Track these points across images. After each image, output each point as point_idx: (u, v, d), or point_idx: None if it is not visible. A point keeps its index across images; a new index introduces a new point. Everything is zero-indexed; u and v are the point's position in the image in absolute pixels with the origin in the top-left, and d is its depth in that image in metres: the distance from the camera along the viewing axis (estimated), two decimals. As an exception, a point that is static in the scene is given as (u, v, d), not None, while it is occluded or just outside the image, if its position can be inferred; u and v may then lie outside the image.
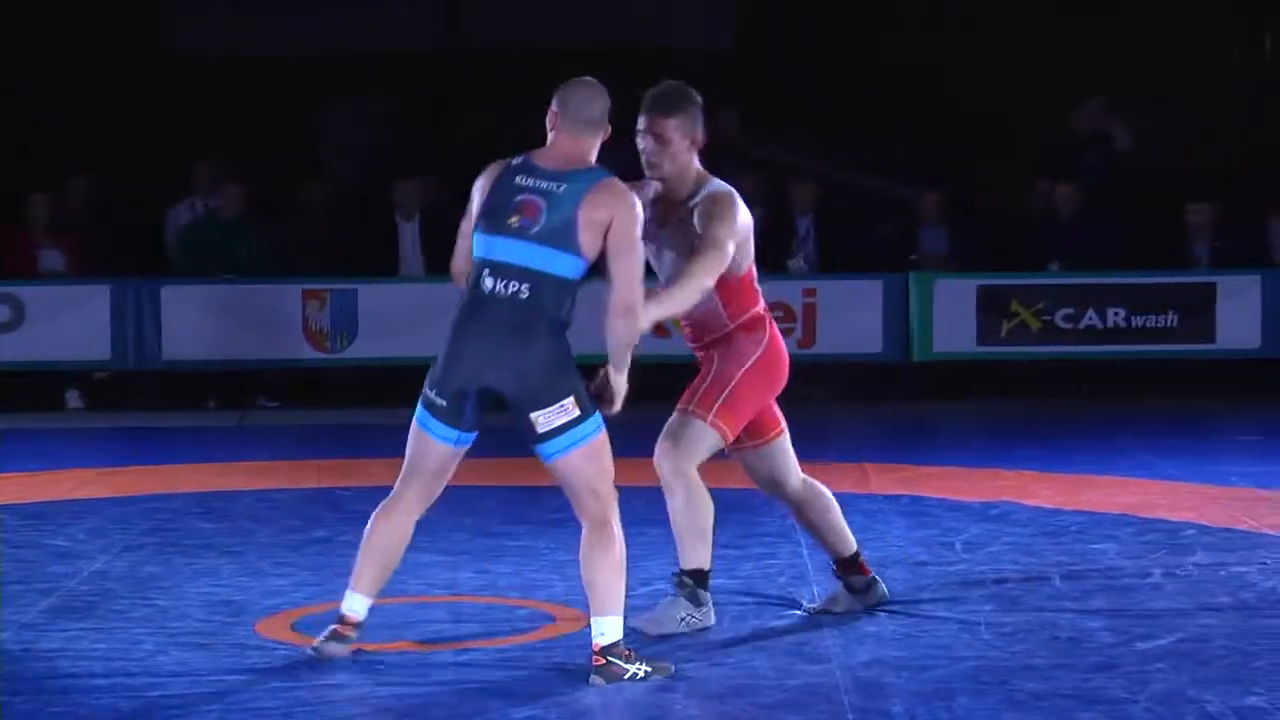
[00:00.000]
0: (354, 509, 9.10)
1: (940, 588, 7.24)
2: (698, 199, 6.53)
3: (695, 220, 6.48)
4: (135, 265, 13.89)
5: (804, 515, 6.87)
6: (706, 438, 6.59)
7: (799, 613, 6.83)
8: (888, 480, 9.93)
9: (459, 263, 6.15)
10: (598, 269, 6.11)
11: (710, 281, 6.43)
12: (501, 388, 6.01)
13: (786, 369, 6.71)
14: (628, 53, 16.21)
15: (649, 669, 5.93)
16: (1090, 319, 13.82)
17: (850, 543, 6.88)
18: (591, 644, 5.97)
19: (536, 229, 5.96)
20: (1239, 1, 16.56)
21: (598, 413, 6.06)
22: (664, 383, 13.89)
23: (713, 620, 6.58)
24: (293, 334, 13.48)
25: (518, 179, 6.01)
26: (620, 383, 6.11)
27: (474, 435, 6.11)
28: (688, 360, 13.45)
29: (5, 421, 12.68)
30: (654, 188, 6.57)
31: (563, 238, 5.95)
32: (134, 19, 16.25)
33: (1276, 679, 5.88)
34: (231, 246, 13.84)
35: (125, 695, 5.79)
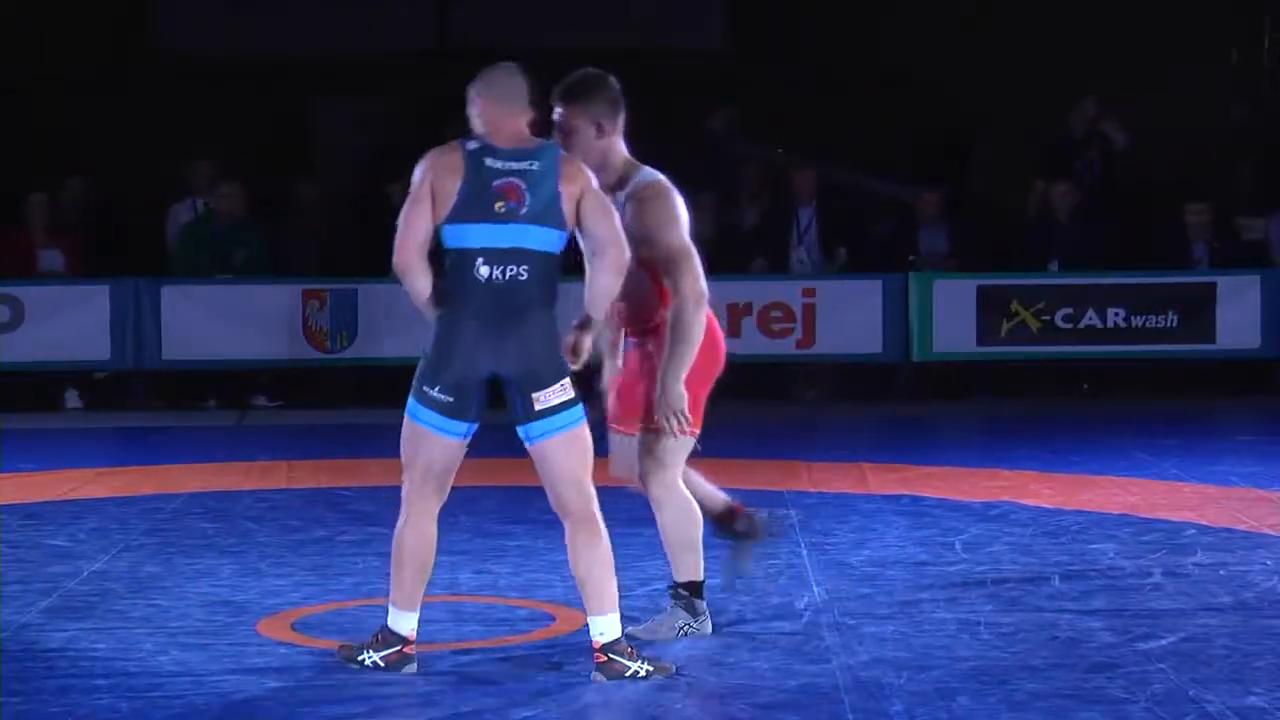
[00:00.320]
0: (354, 509, 9.12)
1: (940, 588, 7.24)
2: (627, 189, 6.47)
3: (630, 218, 6.39)
4: (134, 265, 13.89)
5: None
6: (682, 447, 6.57)
7: (803, 612, 6.83)
8: (887, 480, 9.93)
9: (410, 255, 5.98)
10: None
11: (701, 285, 6.37)
12: (506, 371, 6.03)
13: (723, 357, 6.65)
14: (626, 53, 16.23)
15: (650, 668, 5.94)
16: (1090, 319, 13.82)
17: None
18: (592, 643, 5.97)
19: (525, 210, 5.98)
20: (1237, 2, 16.56)
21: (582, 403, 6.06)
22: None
23: (709, 629, 6.56)
24: (293, 334, 13.48)
25: (487, 163, 6.00)
26: (590, 340, 6.17)
27: (478, 425, 6.09)
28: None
29: (5, 421, 12.67)
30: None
31: (550, 215, 6.00)
32: (131, 19, 16.26)
33: (1277, 679, 5.87)
34: (231, 246, 13.85)
35: (125, 695, 5.79)
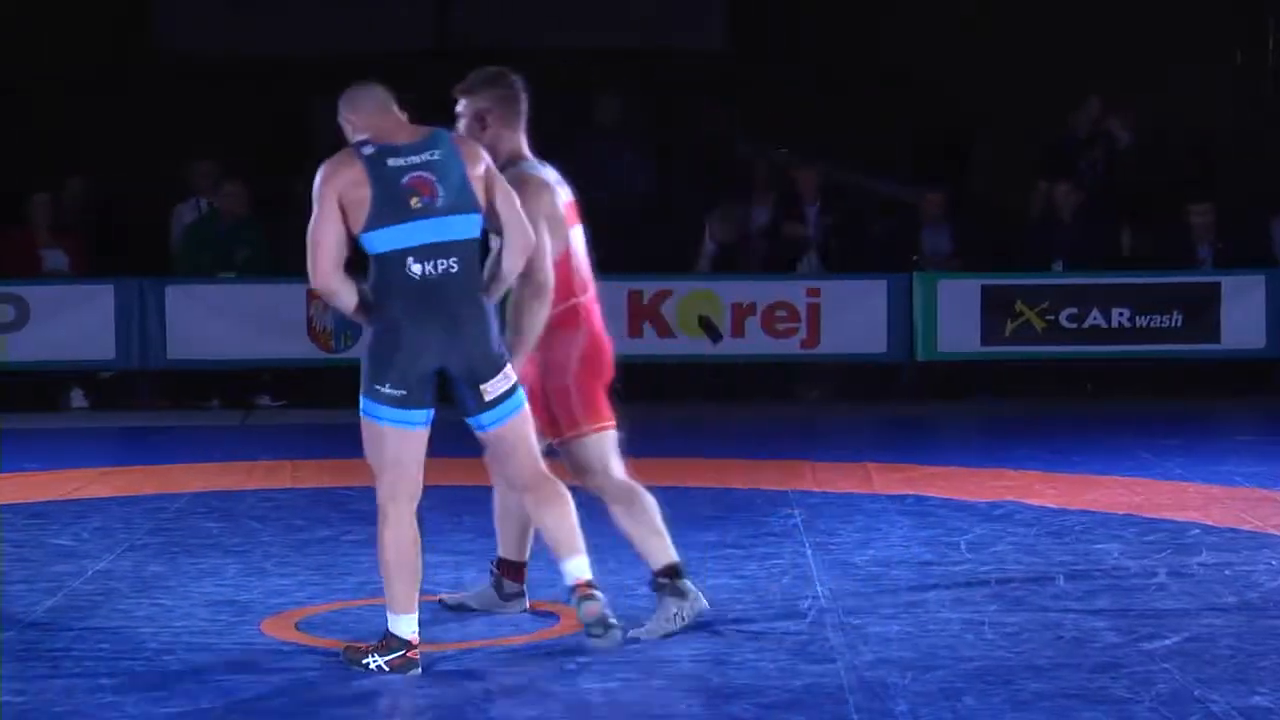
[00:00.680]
0: (358, 509, 9.10)
1: (945, 588, 7.23)
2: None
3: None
4: (138, 265, 13.89)
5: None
6: (603, 442, 6.57)
7: (808, 612, 6.82)
8: (891, 480, 9.92)
9: (328, 275, 6.00)
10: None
11: (541, 278, 6.31)
12: (452, 367, 6.09)
13: (609, 358, 6.64)
14: (626, 53, 16.22)
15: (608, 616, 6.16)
16: (1095, 319, 13.81)
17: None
18: (575, 580, 6.15)
19: (440, 202, 6.03)
20: (1240, 2, 16.55)
21: None
22: (664, 381, 13.97)
23: (705, 603, 6.56)
24: (297, 334, 13.48)
25: (389, 163, 6.03)
26: None
27: (434, 411, 6.15)
28: (685, 359, 13.35)
29: (9, 421, 12.68)
30: None
31: (465, 200, 6.05)
32: (131, 19, 16.25)
33: (1281, 679, 5.88)
34: (233, 245, 13.85)
35: (130, 695, 5.79)
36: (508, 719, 5.55)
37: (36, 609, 6.93)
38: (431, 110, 18.04)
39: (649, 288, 13.82)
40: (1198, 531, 8.34)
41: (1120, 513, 8.83)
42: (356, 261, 6.10)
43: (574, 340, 6.51)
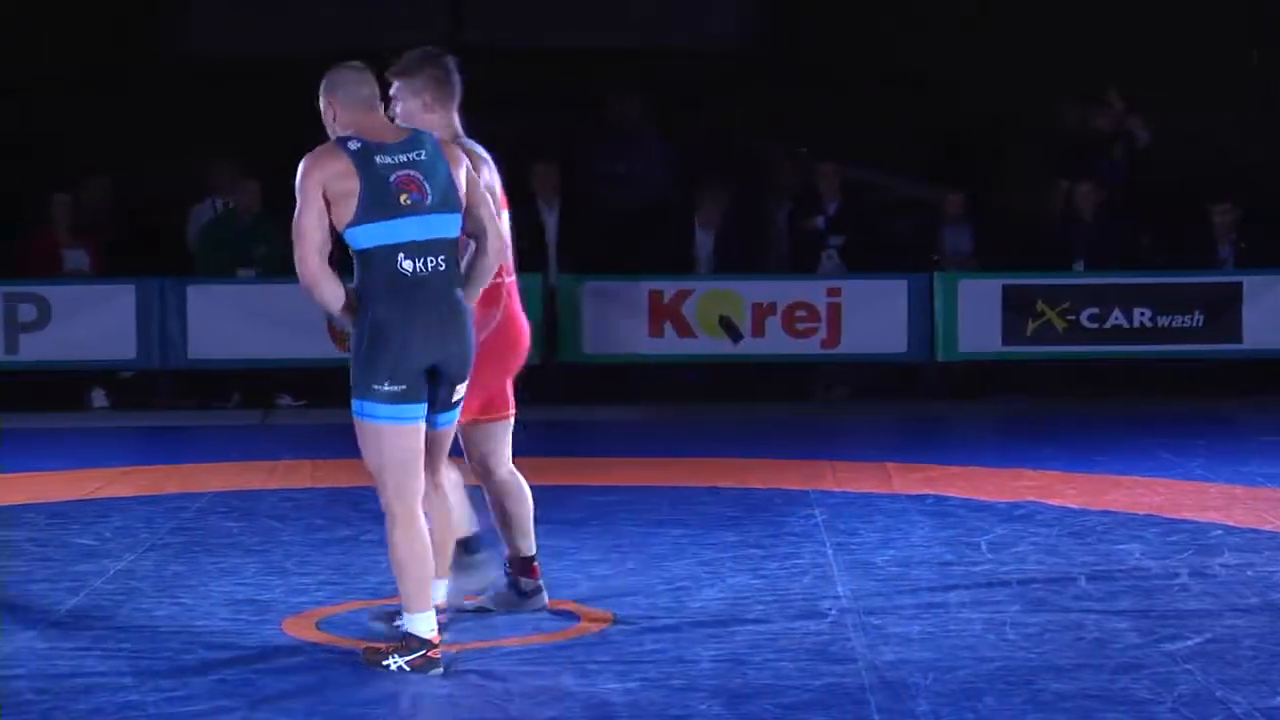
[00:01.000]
0: (377, 509, 9.08)
1: (966, 588, 7.22)
2: None
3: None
4: (158, 265, 13.91)
5: (501, 503, 6.81)
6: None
7: (829, 612, 6.81)
8: (911, 480, 9.91)
9: (315, 267, 6.01)
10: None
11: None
12: (443, 364, 6.10)
13: (524, 344, 6.76)
14: (633, 52, 16.22)
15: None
16: (1116, 319, 13.78)
17: (532, 544, 6.84)
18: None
19: (429, 200, 6.05)
20: (1258, 1, 16.50)
21: None
22: (685, 381, 13.96)
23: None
24: (317, 333, 13.49)
25: (377, 160, 6.03)
26: None
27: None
28: (706, 359, 13.40)
29: (31, 420, 12.71)
30: None
31: (451, 200, 6.09)
32: (147, 19, 16.26)
33: (1304, 680, 5.86)
34: (251, 242, 13.87)
35: (151, 694, 5.80)
36: (527, 719, 5.54)
37: (59, 608, 6.94)
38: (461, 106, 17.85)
39: (669, 287, 13.82)
40: (1220, 532, 8.32)
41: (1142, 513, 8.81)
42: (341, 261, 6.09)
43: (488, 323, 6.56)
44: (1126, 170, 14.74)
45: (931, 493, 9.45)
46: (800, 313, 13.84)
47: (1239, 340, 13.78)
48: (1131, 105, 14.77)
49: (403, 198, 6.02)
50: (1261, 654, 6.17)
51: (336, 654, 6.29)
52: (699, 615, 6.80)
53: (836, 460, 10.69)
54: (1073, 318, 13.79)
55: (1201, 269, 14.01)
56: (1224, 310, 13.78)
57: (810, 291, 13.88)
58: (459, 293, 6.10)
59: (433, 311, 6.02)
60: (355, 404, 6.06)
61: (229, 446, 11.74)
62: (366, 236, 6.01)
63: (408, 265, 6.01)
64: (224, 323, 13.57)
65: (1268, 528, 8.42)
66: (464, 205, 6.12)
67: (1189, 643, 6.31)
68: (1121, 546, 8.02)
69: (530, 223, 14.00)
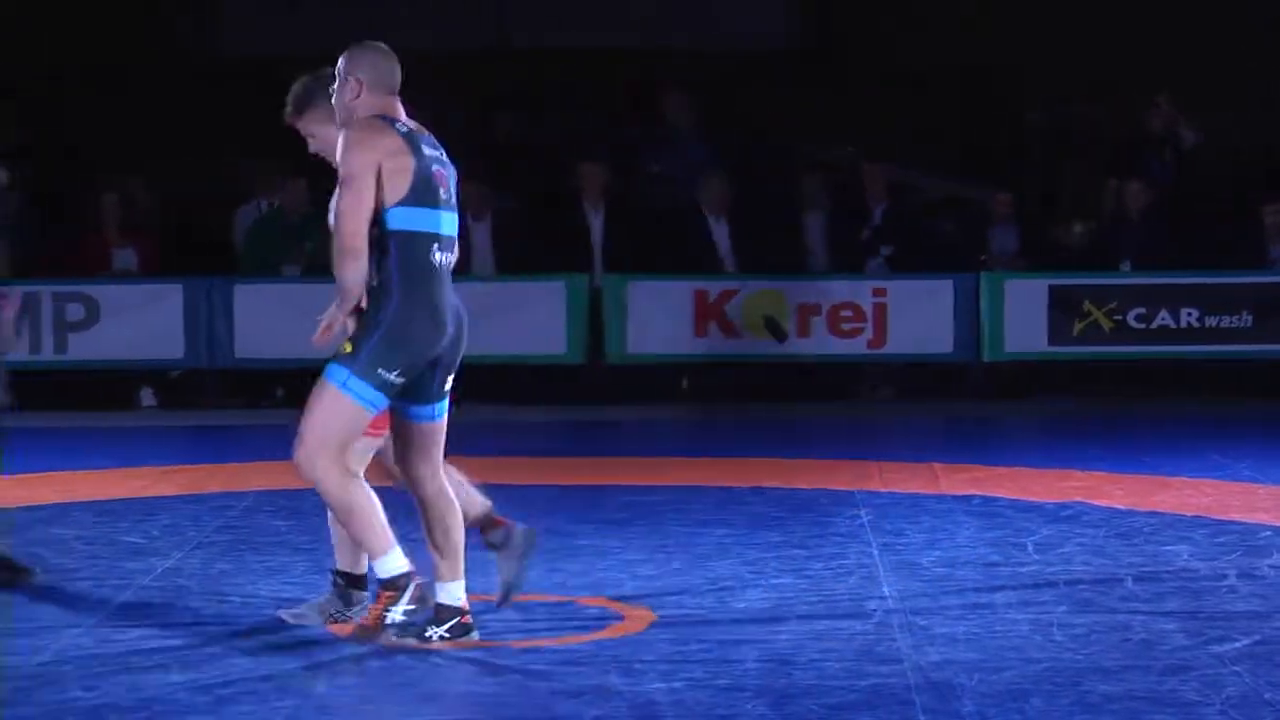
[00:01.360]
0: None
1: (1012, 589, 7.19)
2: None
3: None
4: (206, 265, 13.97)
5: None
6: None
7: (874, 613, 6.79)
8: (958, 480, 9.88)
9: (361, 238, 5.94)
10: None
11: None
12: (446, 356, 6.15)
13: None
14: (689, 52, 16.21)
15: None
16: (1163, 319, 13.72)
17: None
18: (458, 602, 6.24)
19: (451, 198, 6.15)
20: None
21: None
22: (730, 381, 13.95)
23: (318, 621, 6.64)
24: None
25: (424, 148, 6.08)
26: None
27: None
28: (751, 359, 13.33)
29: (79, 419, 12.77)
30: None
31: (457, 201, 6.22)
32: (188, 19, 16.31)
33: (1354, 682, 5.81)
34: (296, 241, 13.91)
35: (200, 692, 5.81)
36: (574, 717, 5.53)
37: (107, 605, 6.96)
38: (494, 106, 18.03)
39: (714, 288, 13.81)
40: (1269, 534, 8.27)
41: (1190, 514, 8.76)
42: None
43: None
44: (1174, 171, 14.67)
45: (978, 493, 9.42)
46: (846, 313, 13.81)
47: (1288, 340, 13.70)
48: (1180, 106, 14.70)
49: (441, 191, 6.10)
50: (1311, 656, 6.13)
51: (383, 652, 6.30)
52: (744, 615, 6.79)
53: (882, 460, 10.67)
54: (1119, 318, 13.74)
55: (1250, 269, 13.93)
56: (1273, 310, 13.71)
57: (856, 292, 13.85)
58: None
59: (447, 305, 6.09)
60: (345, 376, 6.00)
61: (275, 445, 11.75)
62: (413, 220, 6.02)
63: (438, 257, 6.08)
64: (271, 322, 13.61)
65: (1317, 529, 8.37)
66: None
67: (1237, 644, 6.27)
68: (1169, 548, 7.97)
69: (576, 223, 14.03)
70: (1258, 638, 6.36)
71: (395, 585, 6.08)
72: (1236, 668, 5.97)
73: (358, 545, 6.16)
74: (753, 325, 13.77)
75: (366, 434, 6.46)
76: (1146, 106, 14.80)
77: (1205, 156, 14.83)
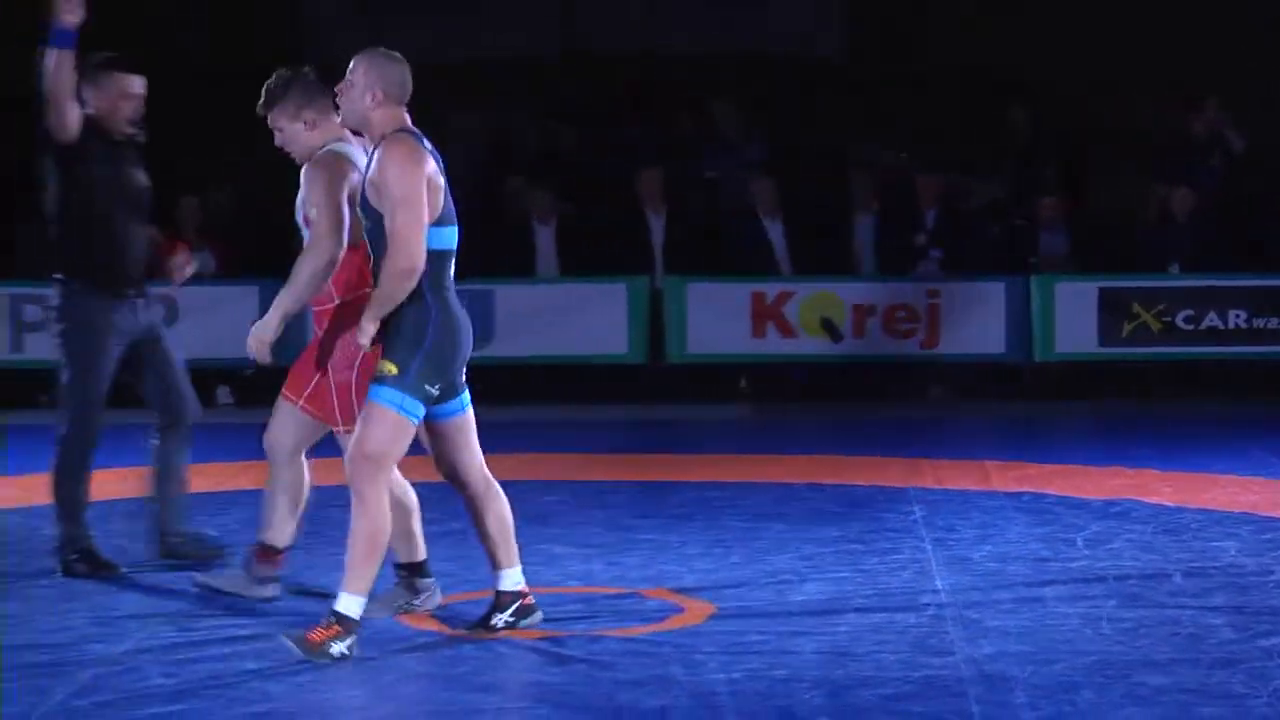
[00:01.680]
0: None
1: (1062, 583, 7.16)
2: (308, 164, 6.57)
3: (305, 193, 6.54)
4: (281, 267, 14.02)
5: (296, 488, 6.78)
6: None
7: (927, 606, 6.77)
8: (1009, 478, 9.84)
9: (423, 260, 5.95)
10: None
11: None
12: (462, 369, 6.21)
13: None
14: (745, 57, 16.19)
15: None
16: (1211, 320, 13.64)
17: (289, 537, 6.80)
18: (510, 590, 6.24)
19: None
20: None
21: None
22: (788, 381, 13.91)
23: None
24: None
25: (439, 164, 6.03)
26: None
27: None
28: (807, 359, 13.19)
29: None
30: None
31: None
32: (268, 28, 16.39)
33: (1399, 676, 5.76)
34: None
35: (276, 680, 5.84)
36: (635, 707, 5.54)
37: (187, 595, 7.00)
38: (558, 112, 17.97)
39: (771, 289, 13.80)
40: (1315, 530, 8.21)
41: (1237, 511, 8.70)
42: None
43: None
44: (1222, 175, 14.57)
45: (1028, 490, 9.38)
46: (900, 314, 13.78)
47: (1335, 341, 13.60)
48: (1227, 111, 14.60)
49: (451, 206, 6.08)
50: (1356, 650, 6.08)
51: (451, 642, 6.32)
52: (801, 608, 6.78)
53: (935, 458, 10.64)
54: (1168, 319, 13.66)
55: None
56: (1320, 312, 13.61)
57: (910, 294, 13.82)
58: None
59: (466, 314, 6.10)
60: (400, 399, 5.99)
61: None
62: (440, 239, 6.02)
63: (451, 272, 6.07)
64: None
65: (1362, 526, 8.30)
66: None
67: (1284, 639, 6.23)
68: (1217, 544, 7.92)
69: (636, 227, 14.04)
70: (1304, 632, 6.32)
71: (348, 624, 6.01)
72: (1283, 661, 5.94)
73: (355, 566, 6.07)
74: (809, 326, 13.75)
75: (342, 431, 6.52)
76: (1194, 112, 14.71)
77: (1252, 159, 14.73)
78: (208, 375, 13.91)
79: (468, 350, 6.14)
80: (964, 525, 8.42)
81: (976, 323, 13.73)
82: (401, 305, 5.99)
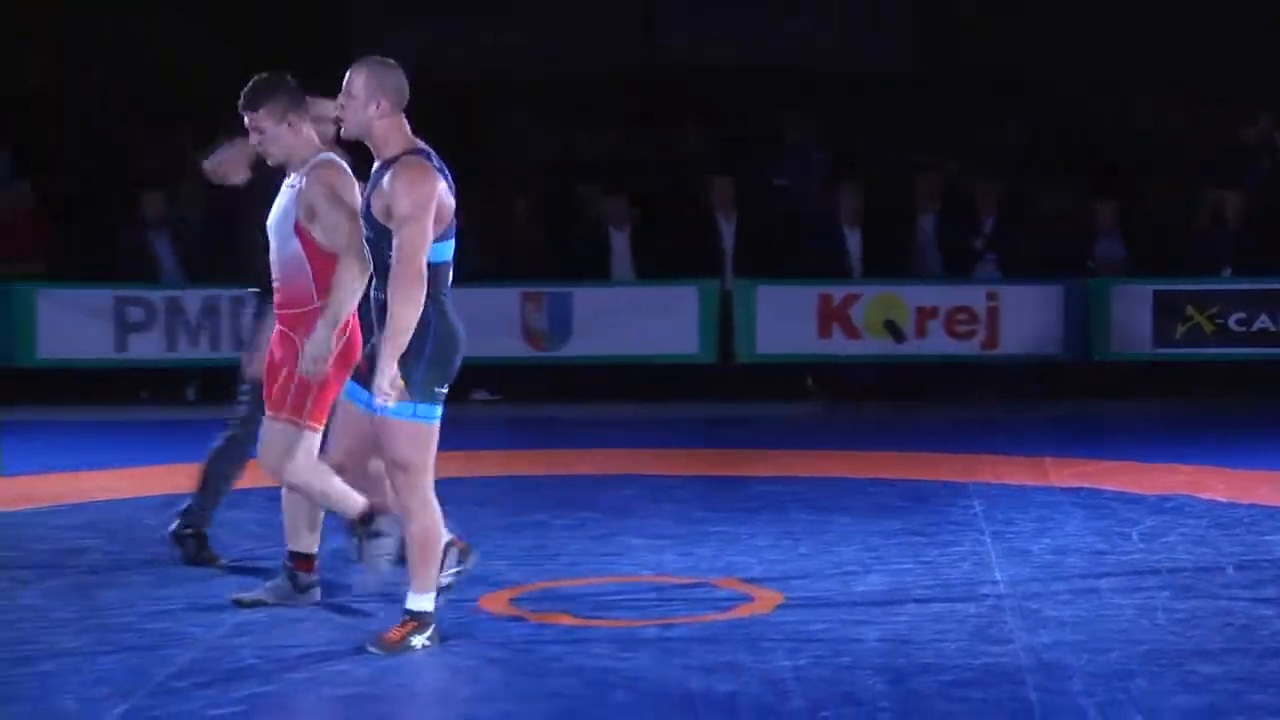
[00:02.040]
0: (565, 495, 9.18)
1: (1117, 575, 7.12)
2: (305, 168, 6.44)
3: (303, 199, 6.38)
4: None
5: (308, 499, 6.62)
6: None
7: (987, 597, 6.75)
8: (1066, 473, 9.78)
9: (424, 278, 5.87)
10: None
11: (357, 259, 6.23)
12: None
13: (359, 357, 6.40)
14: (814, 70, 16.15)
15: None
16: (1263, 322, 13.53)
17: (315, 542, 6.67)
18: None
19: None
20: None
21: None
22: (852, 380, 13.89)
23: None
24: (511, 333, 13.61)
25: (446, 182, 5.98)
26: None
27: None
28: (871, 359, 13.14)
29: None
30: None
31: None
32: (340, 41, 16.44)
33: None
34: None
35: (362, 664, 5.89)
36: (707, 692, 5.54)
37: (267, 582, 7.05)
38: (638, 122, 17.89)
39: (837, 292, 13.77)
40: (1363, 525, 8.13)
41: (1288, 506, 8.63)
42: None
43: (340, 334, 6.39)
44: (1271, 180, 14.43)
45: (1085, 485, 9.33)
46: (961, 316, 13.73)
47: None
48: (1277, 119, 14.47)
49: (453, 220, 6.01)
50: (1404, 641, 6.01)
51: (529, 628, 6.34)
52: (865, 597, 6.77)
53: (995, 454, 10.59)
54: (1221, 321, 13.56)
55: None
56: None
57: (971, 296, 13.77)
58: None
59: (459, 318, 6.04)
60: (411, 409, 5.88)
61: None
62: (442, 252, 5.93)
63: (449, 280, 5.98)
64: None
65: None
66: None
67: (1334, 630, 6.17)
68: (1268, 538, 7.86)
69: (708, 232, 14.04)
70: (1353, 624, 6.26)
71: (423, 618, 6.02)
72: (1333, 652, 5.89)
73: (416, 567, 6.02)
74: (874, 327, 13.72)
75: (312, 427, 6.41)
76: (1246, 120, 14.58)
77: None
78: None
79: (462, 355, 6.03)
80: (1022, 519, 8.38)
81: (1035, 324, 13.67)
82: None
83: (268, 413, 6.50)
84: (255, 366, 6.95)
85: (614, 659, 5.93)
